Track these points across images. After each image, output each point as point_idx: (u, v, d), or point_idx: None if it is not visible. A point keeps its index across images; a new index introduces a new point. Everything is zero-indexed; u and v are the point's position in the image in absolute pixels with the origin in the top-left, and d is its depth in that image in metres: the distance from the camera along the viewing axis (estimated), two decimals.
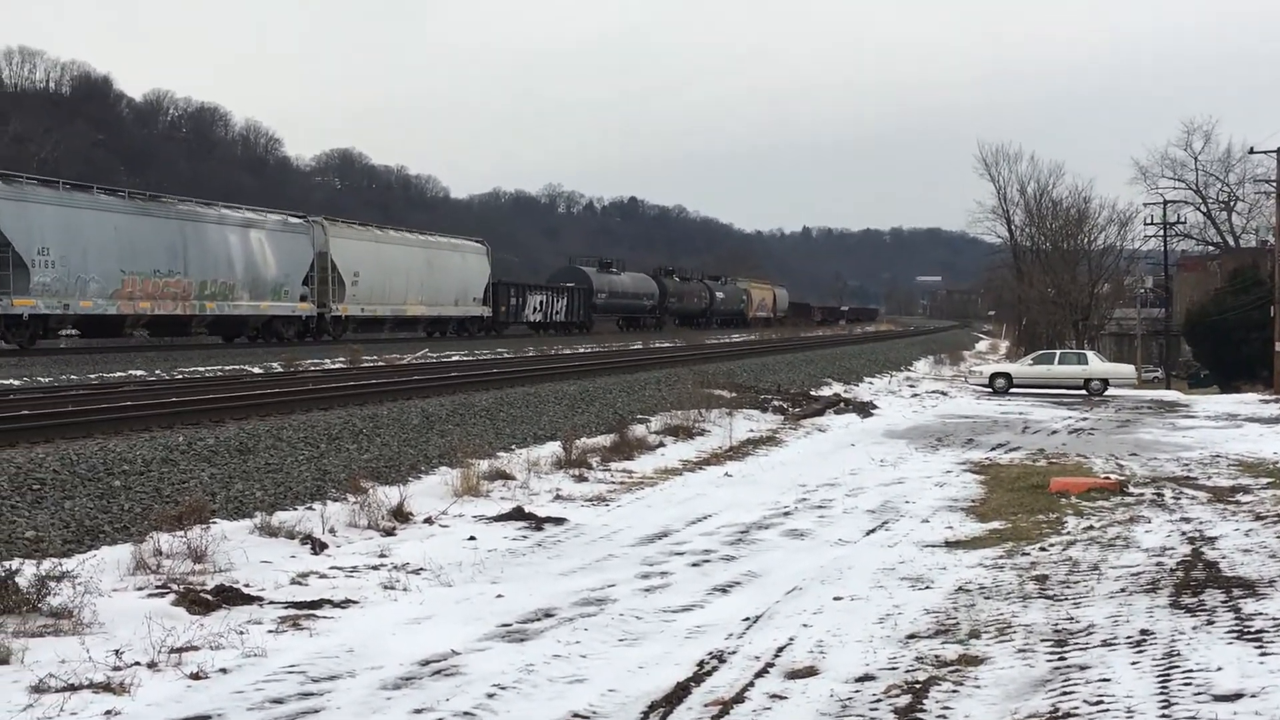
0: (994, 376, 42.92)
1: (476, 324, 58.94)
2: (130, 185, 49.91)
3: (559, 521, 14.35)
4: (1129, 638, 8.57)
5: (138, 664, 8.03)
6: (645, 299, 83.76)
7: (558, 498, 16.16)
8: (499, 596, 10.44)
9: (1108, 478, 17.95)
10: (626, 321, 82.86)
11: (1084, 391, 40.92)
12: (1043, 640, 8.69)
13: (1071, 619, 9.29)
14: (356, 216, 60.03)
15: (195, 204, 42.96)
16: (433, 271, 54.09)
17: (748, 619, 9.70)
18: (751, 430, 25.11)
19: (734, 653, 8.68)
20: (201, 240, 40.60)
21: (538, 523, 14.16)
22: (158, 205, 40.06)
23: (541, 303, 67.44)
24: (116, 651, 8.23)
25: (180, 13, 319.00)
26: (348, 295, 47.59)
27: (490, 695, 7.64)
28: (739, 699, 7.61)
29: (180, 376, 26.55)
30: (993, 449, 23.39)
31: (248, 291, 42.40)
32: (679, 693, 7.75)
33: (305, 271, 45.50)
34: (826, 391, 35.99)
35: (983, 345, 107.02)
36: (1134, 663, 7.92)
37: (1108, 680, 7.54)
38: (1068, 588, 10.52)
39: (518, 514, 14.46)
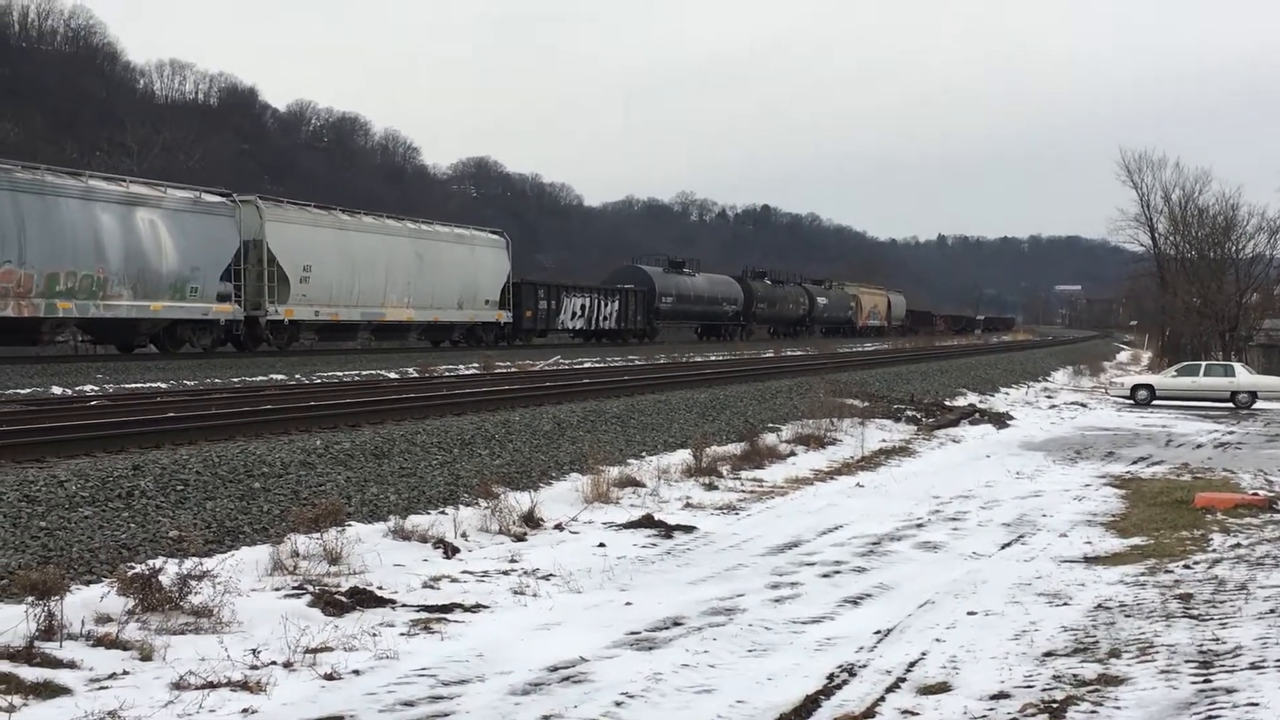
0: (1135, 388, 41.87)
1: (491, 331, 49.08)
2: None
3: (688, 530, 14.30)
4: (1279, 661, 8.25)
5: (274, 663, 8.18)
6: (726, 304, 74.30)
7: (687, 505, 16.12)
8: (628, 604, 10.44)
9: (1256, 494, 17.35)
10: (705, 330, 74.54)
11: (1230, 404, 39.69)
12: (1187, 661, 8.40)
13: (1218, 640, 8.98)
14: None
15: (45, 172, 31.18)
16: (426, 267, 44.07)
17: (879, 632, 9.56)
18: (884, 440, 24.81)
19: (864, 666, 8.55)
20: (50, 219, 29.93)
21: (667, 530, 14.13)
22: None
23: (584, 306, 57.57)
24: (254, 650, 8.40)
25: (323, 25, 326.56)
26: (294, 295, 37.69)
27: (618, 704, 7.63)
28: (870, 714, 7.49)
29: (319, 381, 27.13)
30: (1134, 462, 22.79)
31: (130, 288, 32.05)
32: (808, 706, 7.65)
33: (227, 264, 35.50)
34: (961, 402, 35.44)
35: (1124, 356, 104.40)
36: None
37: (1256, 705, 7.26)
38: (1214, 607, 10.17)
39: (647, 521, 14.45)
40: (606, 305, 59.83)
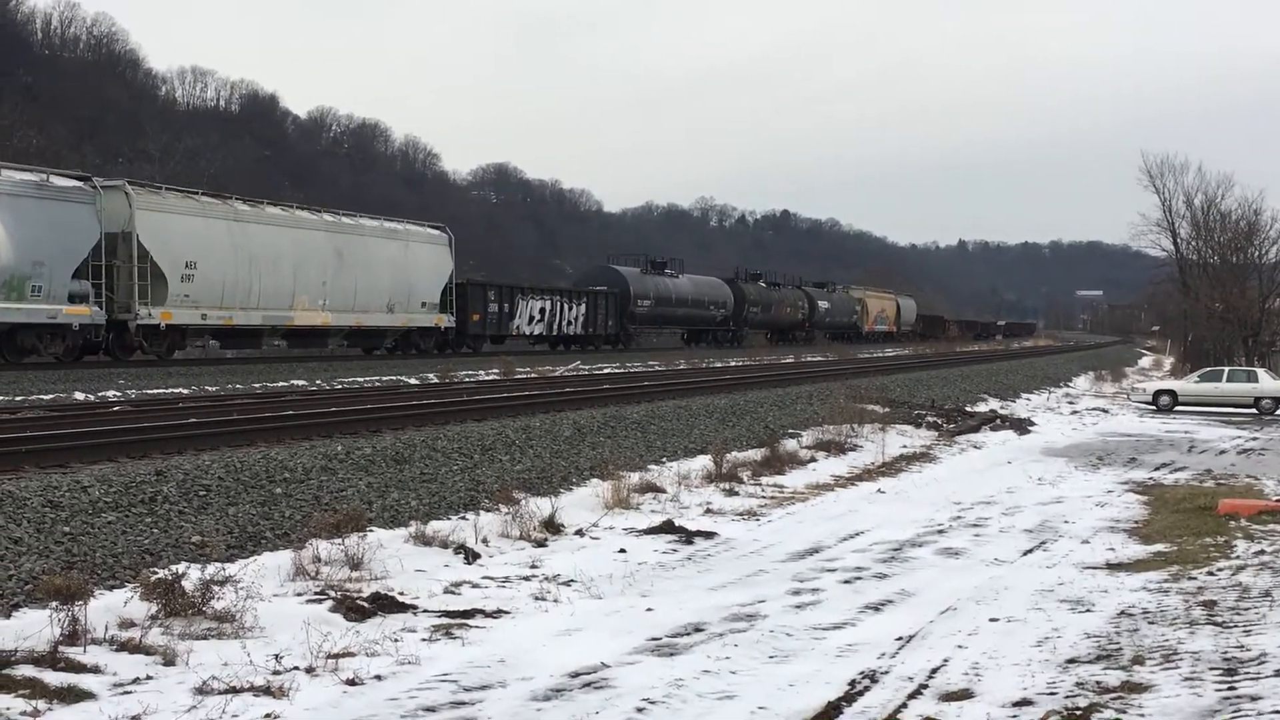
0: (1158, 394, 41.71)
1: (430, 337, 43.69)
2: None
3: (709, 535, 14.30)
4: None
5: (296, 669, 8.21)
6: (714, 308, 68.34)
7: (708, 511, 16.11)
8: (649, 610, 10.44)
9: None
10: (691, 336, 69.23)
11: (1254, 410, 39.51)
12: (1211, 669, 8.36)
13: (1242, 647, 8.93)
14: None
15: None
16: (347, 265, 38.67)
17: (900, 638, 9.53)
18: (904, 446, 24.76)
19: (886, 673, 8.53)
20: None
21: (688, 536, 14.13)
22: None
23: (544, 310, 51.57)
24: (276, 656, 8.43)
25: (344, 33, 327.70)
26: (173, 295, 32.17)
27: (640, 710, 7.63)
28: None
29: (340, 386, 27.20)
30: (1156, 469, 22.69)
31: None
32: (830, 712, 7.64)
33: (83, 258, 29.87)
34: (982, 408, 35.37)
35: (1146, 361, 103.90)
36: None
37: None
38: (1237, 614, 10.12)
39: (668, 527, 14.45)
40: (571, 309, 54.04)
